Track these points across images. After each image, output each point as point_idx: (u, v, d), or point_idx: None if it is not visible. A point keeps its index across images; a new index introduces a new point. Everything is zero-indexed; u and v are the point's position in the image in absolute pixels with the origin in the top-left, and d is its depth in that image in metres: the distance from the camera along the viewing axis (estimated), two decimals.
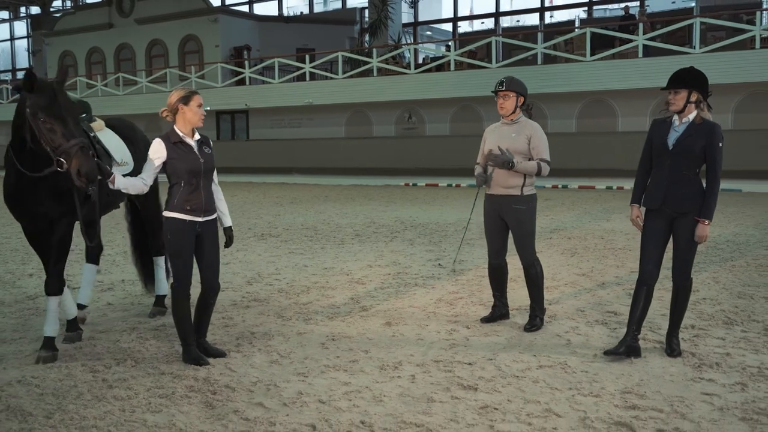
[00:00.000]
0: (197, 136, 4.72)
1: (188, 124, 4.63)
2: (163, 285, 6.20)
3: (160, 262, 6.20)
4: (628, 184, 18.80)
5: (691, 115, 4.68)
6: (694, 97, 4.63)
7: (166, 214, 4.65)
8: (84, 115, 5.67)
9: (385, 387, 4.32)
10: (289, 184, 23.03)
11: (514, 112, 5.53)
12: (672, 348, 4.88)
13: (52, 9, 40.36)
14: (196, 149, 4.65)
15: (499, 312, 5.89)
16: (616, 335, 5.37)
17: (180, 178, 4.61)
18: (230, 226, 4.98)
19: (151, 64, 31.16)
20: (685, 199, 4.70)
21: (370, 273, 7.98)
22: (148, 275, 6.41)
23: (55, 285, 4.94)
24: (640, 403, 4.00)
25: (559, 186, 19.08)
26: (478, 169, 5.71)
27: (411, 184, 22.38)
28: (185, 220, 4.62)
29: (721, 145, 4.64)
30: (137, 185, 4.66)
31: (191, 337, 4.81)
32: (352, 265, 8.43)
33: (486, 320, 5.83)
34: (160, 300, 6.21)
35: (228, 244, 5.00)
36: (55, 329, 4.94)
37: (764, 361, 4.70)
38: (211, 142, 4.90)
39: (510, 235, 5.73)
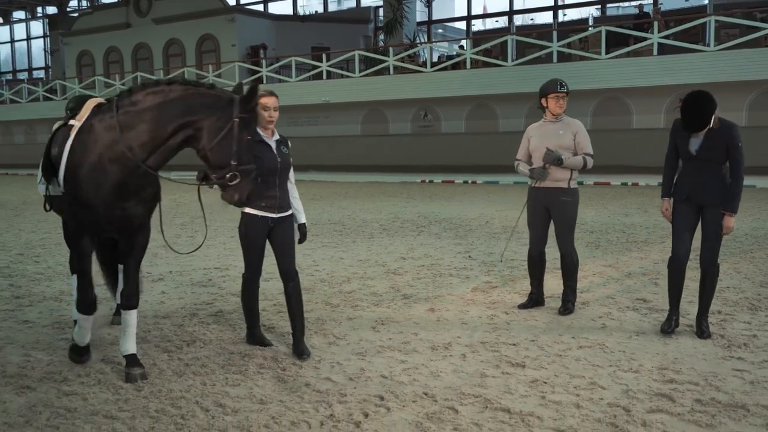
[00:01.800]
0: (276, 136, 4.93)
1: (260, 125, 4.81)
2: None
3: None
4: (643, 181, 19.30)
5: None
6: (713, 120, 5.00)
7: (244, 209, 4.83)
8: None
9: (439, 364, 4.69)
10: (306, 182, 23.42)
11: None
12: (702, 330, 5.24)
13: (68, 9, 40.87)
14: (274, 149, 4.83)
15: (535, 299, 6.25)
16: (648, 320, 5.74)
17: (257, 176, 4.62)
18: (304, 223, 5.07)
19: (168, 63, 31.60)
20: (711, 192, 5.11)
21: (405, 264, 8.35)
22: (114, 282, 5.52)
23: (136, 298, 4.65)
24: (677, 377, 4.36)
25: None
26: (523, 165, 6.07)
27: (428, 180, 22.75)
28: (259, 216, 4.82)
29: (740, 144, 5.01)
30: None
31: (255, 321, 5.15)
32: (385, 257, 8.80)
33: (523, 306, 6.19)
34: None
35: (301, 240, 5.09)
36: (134, 345, 4.61)
37: None
38: (290, 143, 5.08)
39: (551, 226, 6.12)
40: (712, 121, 5.03)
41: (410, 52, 25.72)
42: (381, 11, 30.82)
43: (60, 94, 33.06)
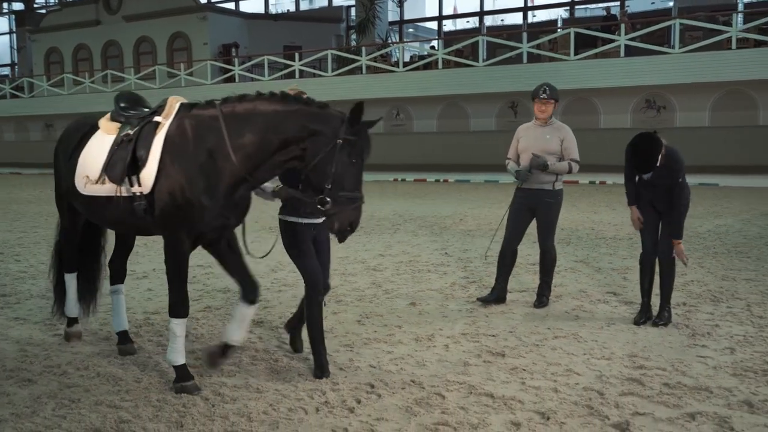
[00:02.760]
0: None
1: None
2: (124, 318, 5.22)
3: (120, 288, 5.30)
4: (610, 179, 19.81)
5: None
6: (659, 159, 5.35)
7: (283, 218, 4.60)
8: None
9: (424, 354, 4.95)
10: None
11: (550, 116, 6.21)
12: (662, 317, 5.61)
13: (36, 5, 40.34)
14: None
15: (497, 295, 6.44)
16: (618, 311, 6.07)
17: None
18: None
19: (139, 61, 31.45)
20: (668, 206, 5.55)
21: (384, 261, 8.60)
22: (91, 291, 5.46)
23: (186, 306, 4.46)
24: (646, 363, 4.68)
25: None
26: (512, 165, 6.34)
27: (400, 179, 23.02)
28: (303, 223, 4.55)
29: (681, 180, 5.42)
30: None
31: (323, 348, 4.60)
32: (364, 255, 9.04)
33: (484, 300, 6.39)
34: (125, 336, 5.18)
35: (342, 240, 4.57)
36: (183, 355, 4.39)
37: (748, 331, 5.41)
38: None
39: (529, 226, 6.42)
40: (659, 160, 5.37)
41: (383, 51, 25.99)
42: (353, 10, 31.03)
43: (27, 91, 32.69)
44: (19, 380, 4.50)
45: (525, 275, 7.59)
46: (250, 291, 4.49)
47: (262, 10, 34.30)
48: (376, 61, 25.12)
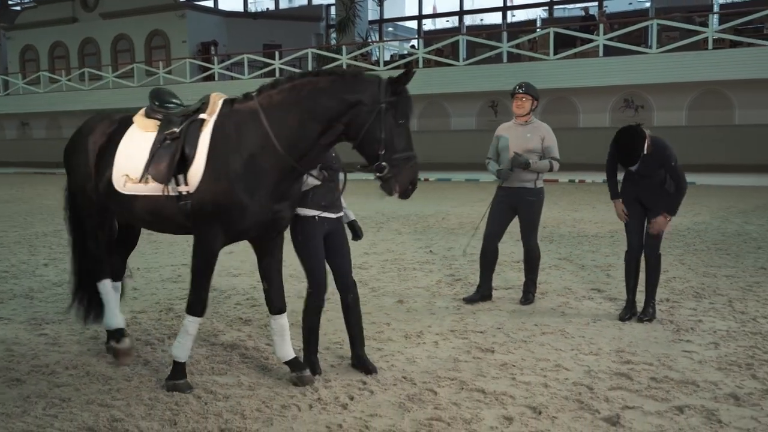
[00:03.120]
0: None
1: None
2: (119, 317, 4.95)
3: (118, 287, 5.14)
4: (590, 178, 20.00)
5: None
6: (646, 147, 5.43)
7: (300, 211, 4.38)
8: None
9: (414, 351, 4.98)
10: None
11: (528, 114, 6.23)
12: (646, 312, 5.69)
13: (10, 2, 39.76)
14: None
15: (482, 293, 6.49)
16: (603, 308, 6.15)
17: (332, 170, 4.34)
18: (355, 220, 4.80)
19: (116, 59, 31.11)
20: (654, 200, 5.62)
21: (369, 259, 8.62)
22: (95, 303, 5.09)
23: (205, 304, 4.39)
24: (633, 358, 4.75)
25: None
26: (493, 165, 6.37)
27: None
28: (317, 217, 4.39)
29: (674, 163, 5.50)
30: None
31: (316, 347, 4.60)
32: None
33: (470, 300, 6.43)
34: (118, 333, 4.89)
35: (359, 237, 4.84)
36: (188, 354, 4.36)
37: (731, 326, 5.51)
38: None
39: (511, 225, 6.47)
40: (645, 148, 5.44)
41: (363, 50, 25.98)
42: (333, 9, 30.98)
43: (2, 89, 32.22)
44: (6, 380, 4.46)
45: (510, 273, 7.65)
46: (275, 299, 4.48)
47: (241, 9, 34.13)
48: (356, 60, 25.10)
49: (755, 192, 16.52)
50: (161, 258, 8.80)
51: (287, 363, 4.44)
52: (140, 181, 4.28)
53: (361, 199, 16.47)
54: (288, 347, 4.46)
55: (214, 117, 4.22)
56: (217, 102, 4.30)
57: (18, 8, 37.63)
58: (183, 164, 4.15)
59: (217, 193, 4.07)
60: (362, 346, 4.65)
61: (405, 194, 4.07)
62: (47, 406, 4.01)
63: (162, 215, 4.35)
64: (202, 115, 4.25)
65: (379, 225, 11.77)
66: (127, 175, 4.33)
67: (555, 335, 5.35)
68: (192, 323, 4.30)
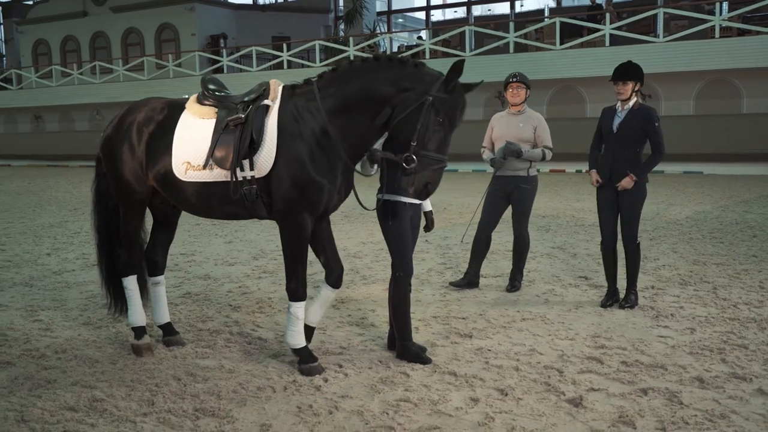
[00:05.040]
0: None
1: None
2: (166, 310, 5.06)
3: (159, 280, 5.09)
4: None
5: (632, 102, 5.56)
6: (637, 87, 5.53)
7: (385, 197, 4.42)
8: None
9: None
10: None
11: (522, 103, 6.33)
12: (628, 300, 5.76)
13: None
14: None
15: (469, 279, 6.60)
16: (587, 295, 6.23)
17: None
18: (431, 210, 4.79)
19: (126, 52, 31.38)
20: (629, 167, 5.60)
21: (364, 248, 8.74)
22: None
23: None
24: (608, 343, 4.84)
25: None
26: (487, 153, 6.48)
27: None
28: (406, 203, 4.41)
29: (657, 124, 5.53)
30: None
31: (410, 332, 4.59)
32: (346, 243, 9.17)
33: (456, 285, 6.56)
34: (170, 328, 5.04)
35: (430, 228, 4.83)
36: (303, 338, 4.44)
37: (711, 312, 5.57)
38: None
39: (505, 213, 6.58)
40: (633, 98, 5.55)
41: (370, 42, 26.03)
42: (341, 1, 31.03)
43: (15, 83, 32.58)
44: (78, 361, 4.62)
45: (502, 261, 7.74)
46: (336, 275, 4.58)
47: (249, 1, 34.24)
48: (363, 52, 25.15)
49: (761, 181, 16.45)
50: None
51: (306, 326, 4.54)
52: (204, 167, 4.31)
53: (364, 189, 16.62)
54: (319, 315, 4.68)
55: (277, 102, 4.30)
56: (277, 88, 4.38)
57: (30, 2, 37.94)
58: (249, 150, 4.21)
59: (296, 176, 4.15)
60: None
61: (419, 195, 4.11)
62: (33, 387, 4.16)
63: (220, 201, 4.39)
64: (266, 101, 4.30)
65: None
66: (189, 162, 4.34)
67: (535, 321, 5.44)
68: (298, 308, 4.37)
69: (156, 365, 4.53)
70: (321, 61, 25.18)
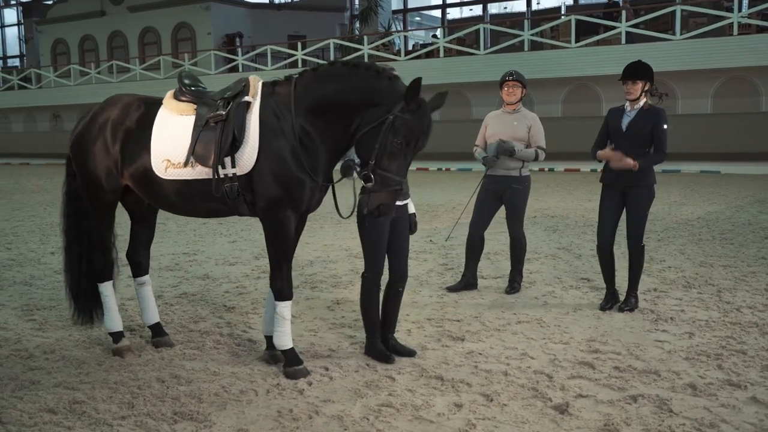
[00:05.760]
0: None
1: None
2: (155, 310, 5.01)
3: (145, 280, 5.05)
4: None
5: (642, 102, 5.43)
6: (647, 87, 5.39)
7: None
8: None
9: None
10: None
11: (518, 102, 6.23)
12: (627, 303, 5.65)
13: None
14: None
15: (466, 282, 6.50)
16: (587, 297, 6.11)
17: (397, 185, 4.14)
18: (414, 213, 4.72)
19: (143, 51, 31.58)
20: (634, 174, 5.47)
21: None
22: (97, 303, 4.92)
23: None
24: (602, 348, 4.73)
25: (546, 169, 19.83)
26: (479, 152, 6.38)
27: None
28: None
29: (665, 126, 5.41)
30: None
31: (377, 330, 4.61)
32: (350, 243, 9.11)
33: (452, 289, 6.45)
34: (159, 329, 5.00)
35: (411, 231, 4.71)
36: (291, 339, 4.38)
37: (712, 316, 5.44)
38: None
39: (498, 213, 6.49)
40: (643, 98, 5.44)
41: (384, 40, 25.95)
42: None
43: (35, 82, 32.91)
44: (65, 361, 4.60)
45: (504, 262, 7.61)
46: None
47: (265, 0, 34.30)
48: (378, 50, 25.09)
49: None
50: (164, 247, 8.96)
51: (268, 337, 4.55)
52: (185, 165, 4.24)
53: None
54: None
55: (258, 99, 4.23)
56: (256, 85, 4.31)
57: (50, 2, 38.32)
58: (231, 147, 4.15)
59: (277, 173, 4.10)
60: (393, 330, 4.71)
61: (370, 214, 4.01)
62: (16, 388, 4.14)
63: (201, 199, 4.33)
64: (246, 98, 4.23)
65: None
66: (169, 160, 4.27)
67: (531, 324, 5.34)
68: (285, 308, 4.31)
69: (142, 367, 4.49)
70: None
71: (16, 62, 42.75)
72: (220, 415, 3.72)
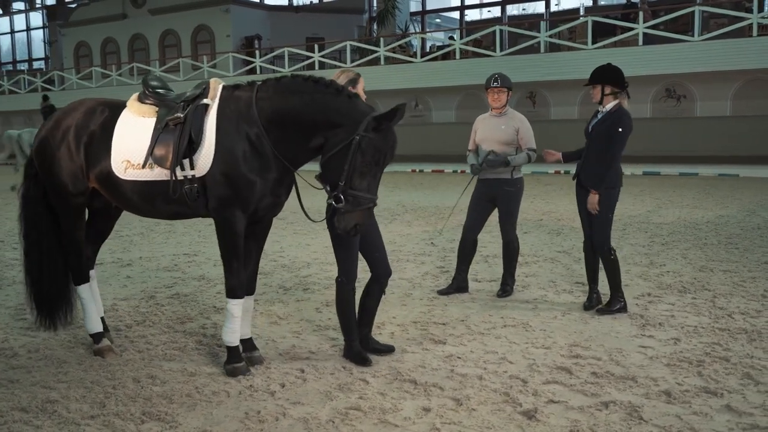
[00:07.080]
0: None
1: None
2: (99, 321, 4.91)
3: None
4: (629, 170, 19.30)
5: (609, 105, 5.44)
6: (607, 90, 5.44)
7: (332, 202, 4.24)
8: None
9: None
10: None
11: (504, 106, 6.21)
12: (612, 304, 5.64)
13: (66, 0, 41.16)
14: None
15: (457, 285, 6.47)
16: (579, 301, 6.05)
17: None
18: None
19: (164, 54, 31.95)
20: (589, 176, 5.55)
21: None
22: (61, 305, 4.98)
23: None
24: (584, 353, 4.67)
25: (562, 172, 19.66)
26: (471, 158, 6.36)
27: (417, 170, 23.00)
28: None
29: (621, 129, 5.39)
30: None
31: (355, 332, 4.62)
32: None
33: (443, 292, 6.41)
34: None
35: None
36: (238, 337, 4.45)
37: (702, 322, 5.34)
38: None
39: (490, 217, 6.50)
40: (611, 101, 5.46)
41: (401, 42, 25.96)
42: (375, 1, 31.02)
43: (58, 84, 33.41)
44: (47, 361, 4.66)
45: (501, 265, 7.55)
46: (249, 282, 4.61)
47: (284, 2, 34.50)
48: (395, 52, 25.10)
49: None
50: (166, 248, 9.03)
51: (242, 341, 4.55)
52: (144, 166, 4.30)
53: (386, 190, 16.57)
54: (247, 327, 4.62)
55: (216, 102, 4.28)
56: (216, 87, 4.35)
57: (73, 5, 38.91)
58: (189, 149, 4.20)
59: (229, 175, 4.14)
60: (371, 328, 4.78)
61: (347, 233, 4.06)
62: None
63: (160, 200, 4.37)
64: (205, 101, 4.28)
65: (394, 216, 11.79)
66: (128, 161, 4.34)
67: (516, 328, 5.29)
68: (235, 306, 4.36)
69: (121, 367, 4.53)
70: (353, 62, 25.22)
71: (41, 65, 43.48)
72: (187, 416, 3.74)
